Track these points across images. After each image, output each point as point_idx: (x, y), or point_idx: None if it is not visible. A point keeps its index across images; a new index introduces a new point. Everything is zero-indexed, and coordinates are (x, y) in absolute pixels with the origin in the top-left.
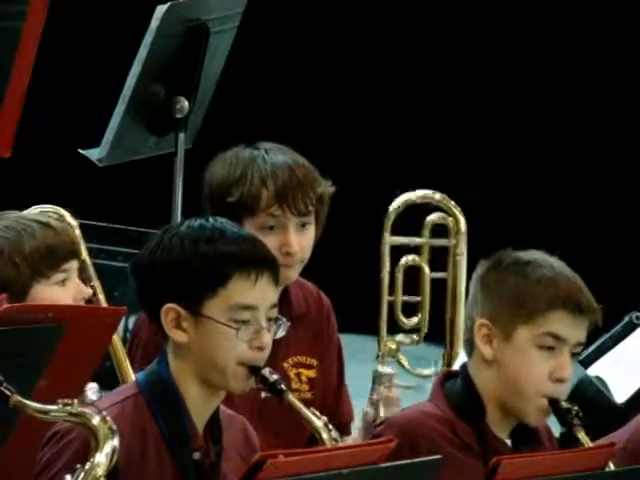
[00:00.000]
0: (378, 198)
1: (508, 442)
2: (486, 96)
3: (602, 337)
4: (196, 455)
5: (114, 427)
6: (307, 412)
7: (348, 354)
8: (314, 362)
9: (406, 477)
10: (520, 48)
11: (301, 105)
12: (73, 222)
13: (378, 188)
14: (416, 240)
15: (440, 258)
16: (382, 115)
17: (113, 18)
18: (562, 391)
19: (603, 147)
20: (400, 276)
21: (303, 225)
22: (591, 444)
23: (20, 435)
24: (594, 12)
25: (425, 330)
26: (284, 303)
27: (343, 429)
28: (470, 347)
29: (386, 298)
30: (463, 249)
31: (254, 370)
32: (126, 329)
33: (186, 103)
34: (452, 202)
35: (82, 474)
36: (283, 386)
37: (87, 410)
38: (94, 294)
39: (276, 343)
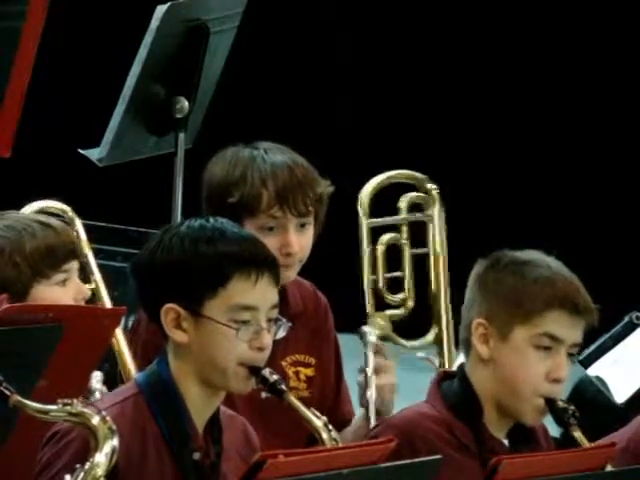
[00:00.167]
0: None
1: (505, 442)
2: (486, 96)
3: (602, 337)
4: (196, 455)
5: (114, 427)
6: (307, 412)
7: (345, 353)
8: (312, 360)
9: (406, 477)
10: (519, 49)
11: (301, 105)
12: (75, 217)
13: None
14: (393, 219)
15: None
16: (382, 115)
17: (113, 18)
18: (558, 391)
19: (601, 147)
20: (380, 255)
21: (303, 225)
22: (587, 443)
23: (20, 435)
24: (594, 12)
25: (412, 304)
26: (282, 302)
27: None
28: (467, 347)
29: (369, 277)
30: (440, 222)
31: (254, 370)
32: (125, 329)
33: (186, 103)
34: (424, 177)
35: (82, 474)
36: (283, 386)
37: (87, 410)
38: (95, 290)
39: (275, 342)
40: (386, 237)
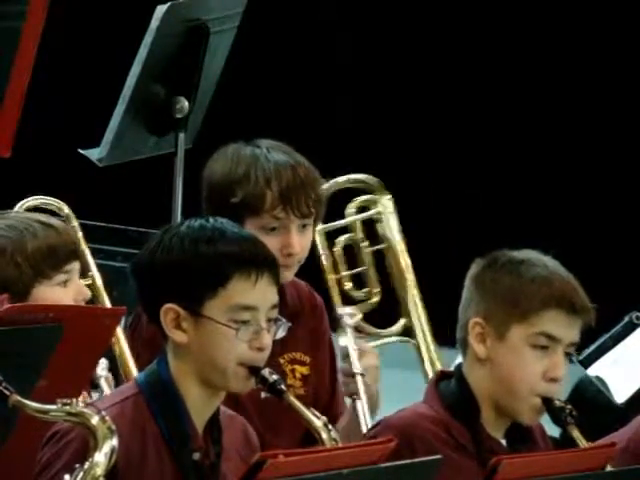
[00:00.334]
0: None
1: (503, 442)
2: (486, 96)
3: (602, 337)
4: (196, 455)
5: (113, 427)
6: (307, 412)
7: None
8: (307, 359)
9: (406, 477)
10: (519, 49)
11: (301, 105)
12: (71, 214)
13: None
14: (345, 221)
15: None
16: (382, 115)
17: (113, 18)
18: (556, 390)
19: (599, 146)
20: (338, 256)
21: (304, 226)
22: (585, 442)
23: (20, 435)
24: (594, 12)
25: (377, 297)
26: (280, 301)
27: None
28: (464, 346)
29: (332, 277)
30: (391, 216)
31: (254, 370)
32: (125, 328)
33: (186, 103)
34: (369, 177)
35: (81, 474)
36: (283, 386)
37: (86, 410)
38: (91, 287)
39: (273, 339)
40: (342, 238)
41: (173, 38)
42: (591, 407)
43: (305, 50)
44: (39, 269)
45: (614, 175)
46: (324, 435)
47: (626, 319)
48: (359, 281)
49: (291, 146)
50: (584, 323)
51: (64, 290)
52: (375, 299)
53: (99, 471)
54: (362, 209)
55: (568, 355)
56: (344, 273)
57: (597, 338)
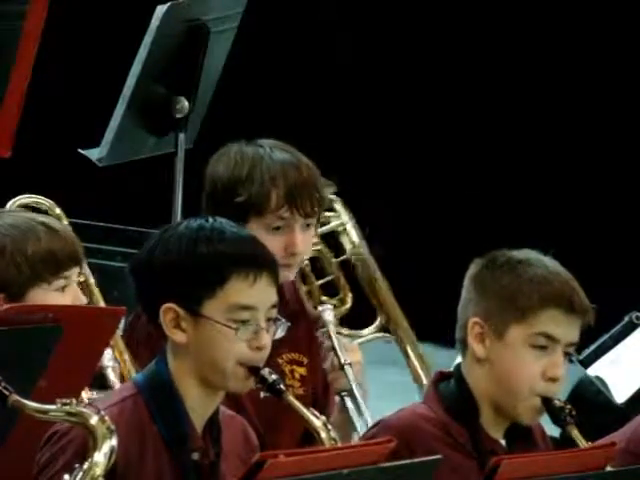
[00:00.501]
0: (377, 196)
1: (502, 442)
2: (486, 96)
3: (602, 337)
4: (195, 455)
5: (112, 427)
6: (306, 412)
7: None
8: (305, 360)
9: (405, 477)
10: (519, 48)
11: (301, 105)
12: (62, 214)
13: (378, 188)
14: None
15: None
16: (382, 115)
17: (113, 18)
18: (555, 390)
19: (598, 146)
20: (306, 268)
21: (307, 225)
22: (584, 442)
23: (20, 435)
24: (594, 12)
25: (349, 301)
26: (279, 300)
27: None
28: (463, 346)
29: (303, 288)
30: (351, 228)
31: (253, 370)
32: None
33: (186, 103)
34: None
35: (80, 474)
36: (282, 386)
37: (85, 410)
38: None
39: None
40: None
41: (173, 38)
42: (591, 407)
43: (305, 50)
44: (38, 272)
45: (613, 175)
46: (323, 435)
47: (626, 319)
48: (329, 291)
49: (291, 146)
50: (583, 323)
51: (61, 296)
52: (348, 305)
53: (98, 471)
54: (322, 224)
55: (568, 355)
56: (315, 284)
57: (597, 338)
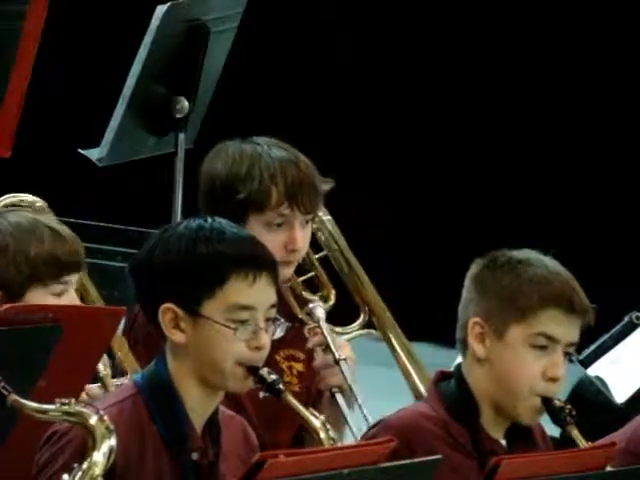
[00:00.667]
0: (377, 197)
1: (503, 442)
2: (486, 96)
3: (602, 337)
4: (194, 455)
5: (111, 427)
6: (305, 412)
7: None
8: (301, 355)
9: (406, 477)
10: (518, 50)
11: (301, 105)
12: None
13: (378, 188)
14: None
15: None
16: (382, 115)
17: (113, 18)
18: (555, 390)
19: (598, 146)
20: None
21: (306, 222)
22: (584, 441)
23: (20, 435)
24: (594, 12)
25: (332, 297)
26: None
27: None
28: (464, 346)
29: (285, 285)
30: (330, 224)
31: (252, 370)
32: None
33: (186, 103)
34: None
35: (79, 473)
36: (281, 386)
37: (84, 410)
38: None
39: None
40: None
41: (173, 38)
42: (591, 407)
43: (305, 50)
44: (37, 275)
45: (613, 175)
46: (322, 435)
47: (626, 319)
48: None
49: (291, 146)
50: (583, 323)
51: (57, 301)
52: (331, 302)
53: (97, 471)
54: None
55: (568, 355)
56: (297, 280)
57: (597, 338)
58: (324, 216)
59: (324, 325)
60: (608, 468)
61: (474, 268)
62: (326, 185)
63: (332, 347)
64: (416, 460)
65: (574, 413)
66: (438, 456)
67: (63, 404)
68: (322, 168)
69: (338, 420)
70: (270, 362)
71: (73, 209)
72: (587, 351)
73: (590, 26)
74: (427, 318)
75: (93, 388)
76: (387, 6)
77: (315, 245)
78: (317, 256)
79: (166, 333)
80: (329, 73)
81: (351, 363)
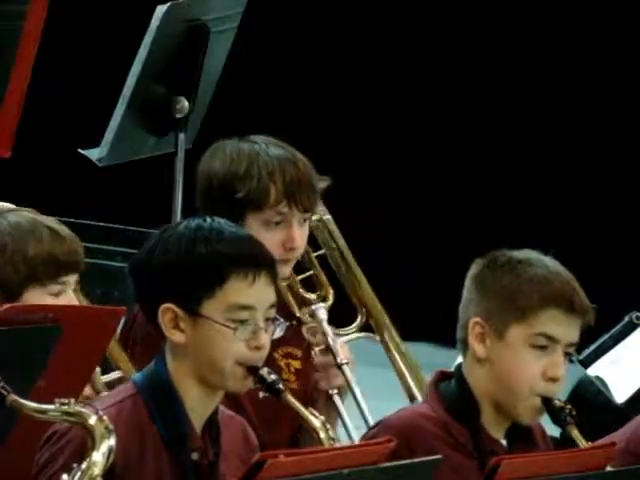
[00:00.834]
0: (377, 196)
1: (503, 442)
2: (486, 96)
3: (602, 337)
4: (194, 455)
5: (111, 427)
6: (305, 411)
7: None
8: (299, 353)
9: (406, 477)
10: (518, 50)
11: (301, 105)
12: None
13: (378, 188)
14: None
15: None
16: (382, 115)
17: (113, 18)
18: (555, 390)
19: (598, 146)
20: None
21: (304, 220)
22: (584, 441)
23: (20, 435)
24: (594, 12)
25: (331, 297)
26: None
27: None
28: (464, 346)
29: (283, 284)
30: (330, 223)
31: (252, 370)
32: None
33: (186, 103)
34: None
35: (79, 474)
36: (281, 386)
37: (84, 410)
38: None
39: None
40: None
41: (173, 38)
42: (591, 407)
43: (305, 50)
44: (35, 275)
45: (613, 175)
46: (322, 435)
47: (626, 319)
48: (310, 286)
49: (292, 146)
50: (583, 323)
51: (54, 301)
52: (329, 302)
53: (97, 471)
54: None
55: (568, 355)
56: (295, 278)
57: (597, 338)
58: (324, 215)
59: (327, 327)
60: (608, 468)
61: (474, 268)
62: (323, 183)
63: (333, 349)
64: (416, 460)
65: (574, 413)
66: (438, 456)
67: (62, 404)
68: (322, 168)
69: (333, 421)
70: (268, 360)
71: (73, 209)
72: (587, 351)
73: (590, 26)
74: (427, 318)
75: None
76: (387, 6)
77: (314, 244)
78: (316, 254)
79: (166, 333)
80: (329, 73)
81: (351, 365)
